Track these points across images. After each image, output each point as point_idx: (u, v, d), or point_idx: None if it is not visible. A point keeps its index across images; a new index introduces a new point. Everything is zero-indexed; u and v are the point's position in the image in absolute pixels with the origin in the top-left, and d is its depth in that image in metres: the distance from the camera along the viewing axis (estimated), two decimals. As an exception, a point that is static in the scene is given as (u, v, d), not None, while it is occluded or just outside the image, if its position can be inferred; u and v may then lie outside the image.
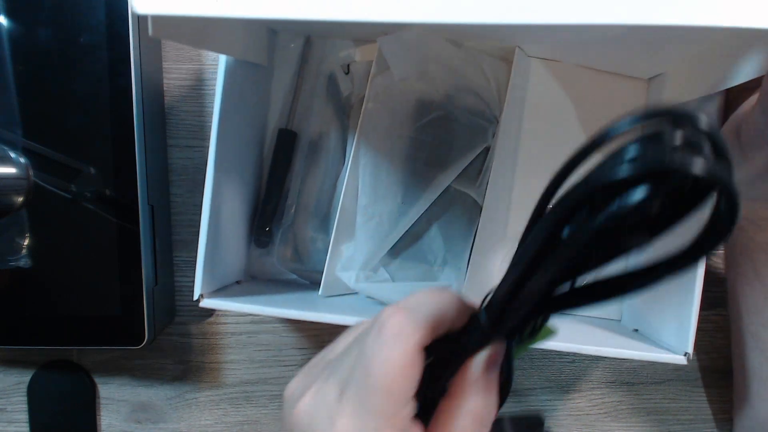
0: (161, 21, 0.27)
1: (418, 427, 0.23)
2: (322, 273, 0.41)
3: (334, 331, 0.28)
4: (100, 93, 0.42)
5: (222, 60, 0.37)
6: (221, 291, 0.40)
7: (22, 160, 0.42)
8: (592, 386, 0.50)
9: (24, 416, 0.50)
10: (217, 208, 0.38)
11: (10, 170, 0.42)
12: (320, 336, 0.50)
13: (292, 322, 0.49)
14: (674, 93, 0.42)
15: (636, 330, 0.45)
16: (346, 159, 0.45)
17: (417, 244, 0.45)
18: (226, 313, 0.49)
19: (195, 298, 0.37)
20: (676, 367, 0.50)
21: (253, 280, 0.47)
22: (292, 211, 0.46)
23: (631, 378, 0.50)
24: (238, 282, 0.45)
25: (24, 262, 0.43)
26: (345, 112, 0.45)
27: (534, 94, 0.45)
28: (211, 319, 0.50)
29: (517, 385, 0.50)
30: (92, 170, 0.43)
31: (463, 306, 0.24)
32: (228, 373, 0.50)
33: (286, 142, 0.46)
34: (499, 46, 0.43)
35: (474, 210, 0.44)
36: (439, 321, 0.23)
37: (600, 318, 0.48)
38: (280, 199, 0.46)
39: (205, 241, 0.37)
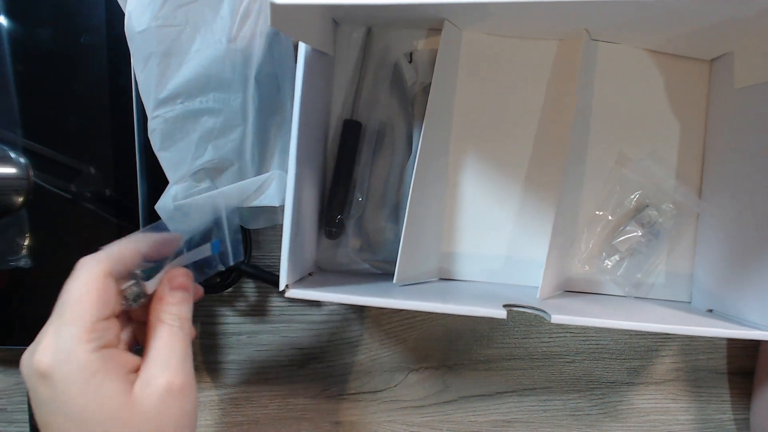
0: (279, 11, 0.29)
1: (115, 329, 0.30)
2: (395, 262, 0.41)
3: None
4: (100, 93, 0.42)
5: (302, 48, 0.37)
6: (300, 282, 0.41)
7: (22, 160, 0.43)
8: (592, 386, 0.50)
9: (24, 416, 0.50)
10: (298, 200, 0.38)
11: (10, 170, 0.42)
12: (321, 336, 0.50)
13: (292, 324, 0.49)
14: (741, 75, 0.41)
15: (710, 310, 0.44)
16: (414, 148, 0.45)
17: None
18: (225, 314, 0.49)
19: (281, 288, 0.37)
20: (676, 368, 0.50)
21: (323, 272, 0.47)
22: (362, 201, 0.46)
23: (631, 378, 0.50)
24: (310, 274, 0.45)
25: (24, 262, 0.43)
26: (409, 100, 0.46)
27: (598, 77, 0.46)
28: (212, 319, 0.50)
29: (517, 385, 0.50)
30: (92, 170, 0.43)
31: (166, 239, 0.34)
32: (228, 373, 0.50)
33: (352, 133, 0.46)
34: (565, 28, 0.43)
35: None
36: (125, 254, 0.31)
37: (669, 300, 0.47)
38: (348, 190, 0.46)
39: (289, 231, 0.37)
